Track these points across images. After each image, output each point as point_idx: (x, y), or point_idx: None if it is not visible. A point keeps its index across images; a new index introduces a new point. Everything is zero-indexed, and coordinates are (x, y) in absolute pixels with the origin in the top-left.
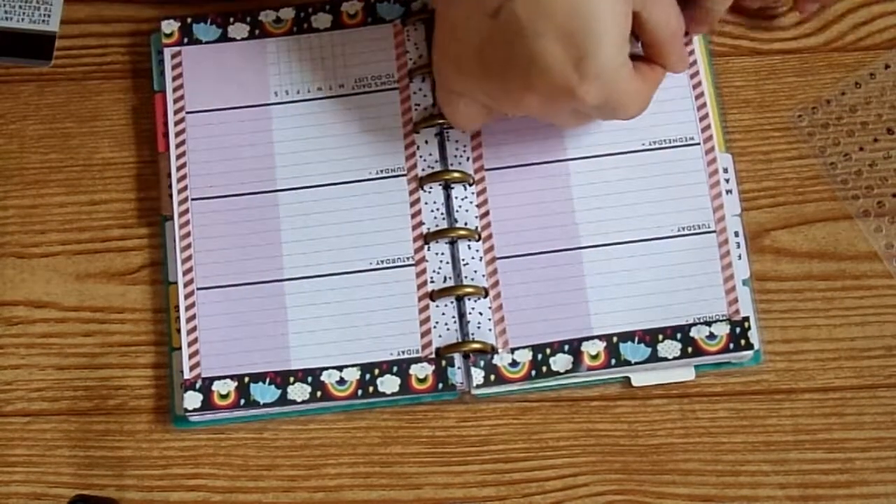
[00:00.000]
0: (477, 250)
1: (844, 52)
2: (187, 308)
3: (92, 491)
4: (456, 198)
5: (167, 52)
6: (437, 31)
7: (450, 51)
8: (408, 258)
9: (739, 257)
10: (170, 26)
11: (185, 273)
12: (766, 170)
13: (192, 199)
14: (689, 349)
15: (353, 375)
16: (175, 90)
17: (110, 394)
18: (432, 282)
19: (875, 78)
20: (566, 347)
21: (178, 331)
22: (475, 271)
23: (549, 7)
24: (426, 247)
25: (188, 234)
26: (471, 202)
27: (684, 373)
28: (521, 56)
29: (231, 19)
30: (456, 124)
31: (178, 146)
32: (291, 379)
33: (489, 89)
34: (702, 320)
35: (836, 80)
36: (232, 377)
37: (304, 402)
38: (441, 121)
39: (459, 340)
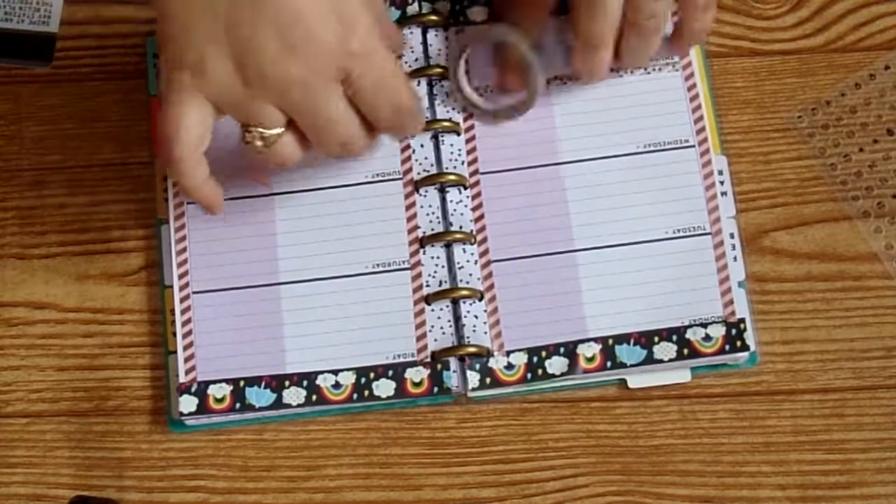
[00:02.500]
0: (472, 253)
1: (844, 53)
2: (183, 312)
3: (92, 492)
4: (451, 201)
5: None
6: (167, 37)
7: (191, 48)
8: (403, 262)
9: (735, 259)
10: None
11: (180, 277)
12: (765, 171)
13: (188, 203)
14: (685, 351)
15: (348, 379)
16: None
17: (110, 395)
18: (427, 285)
19: (875, 79)
20: (562, 350)
21: (174, 334)
22: (470, 274)
23: None
24: (422, 250)
25: (183, 238)
26: (466, 205)
27: (680, 374)
28: (276, 15)
29: None
30: (181, 157)
31: None
32: (287, 383)
33: (240, 73)
34: (697, 322)
35: (836, 81)
36: (227, 381)
37: (299, 405)
38: (437, 126)
39: (455, 344)
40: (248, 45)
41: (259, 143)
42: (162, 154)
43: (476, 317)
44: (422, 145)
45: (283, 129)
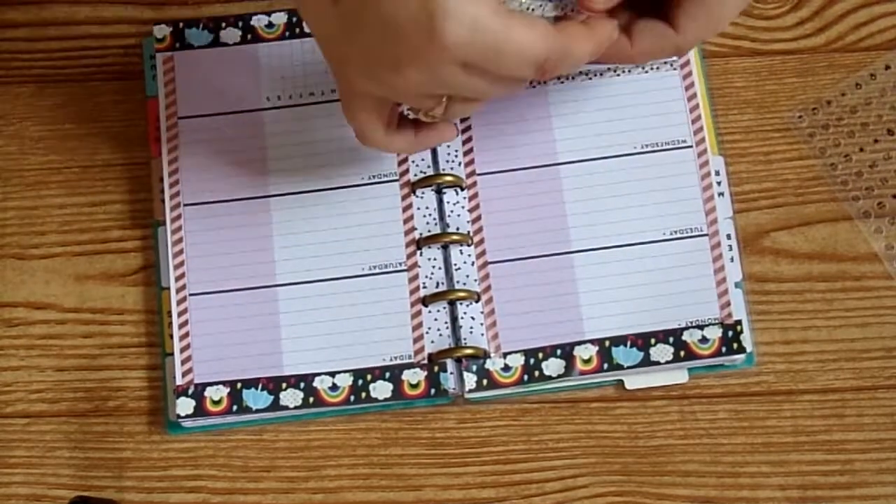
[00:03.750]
0: (469, 255)
1: (845, 53)
2: (179, 314)
3: (92, 492)
4: (448, 202)
5: (159, 57)
6: (318, 46)
7: (331, 59)
8: (400, 263)
9: (732, 260)
10: (162, 31)
11: (177, 279)
12: (766, 171)
13: (185, 205)
14: (682, 353)
15: (345, 381)
16: (167, 95)
17: (110, 395)
18: (424, 287)
19: (875, 79)
20: (558, 352)
21: (171, 336)
22: (467, 276)
23: None
24: (419, 252)
25: (180, 240)
26: (463, 206)
27: (678, 375)
28: (374, 30)
29: (223, 24)
30: (379, 143)
31: (170, 152)
32: (284, 385)
33: (375, 82)
34: (694, 324)
35: (837, 80)
36: (224, 383)
37: (296, 407)
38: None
39: (452, 346)
40: (367, 63)
41: (431, 119)
42: (363, 143)
43: (473, 318)
44: None
45: (444, 104)
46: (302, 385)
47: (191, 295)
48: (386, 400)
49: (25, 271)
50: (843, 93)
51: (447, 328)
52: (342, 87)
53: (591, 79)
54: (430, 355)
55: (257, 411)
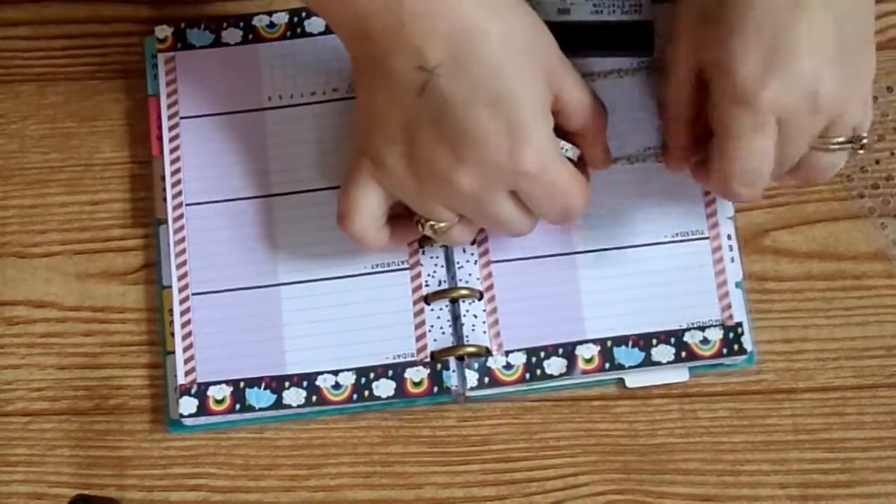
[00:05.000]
0: (472, 253)
1: None
2: (182, 313)
3: (92, 491)
4: None
5: (160, 57)
6: (358, 123)
7: (372, 140)
8: (402, 262)
9: (732, 260)
10: (163, 31)
11: (179, 278)
12: None
13: (187, 205)
14: (683, 354)
15: (348, 380)
16: (169, 95)
17: (111, 393)
18: (427, 285)
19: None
20: (560, 351)
21: (172, 334)
22: (470, 274)
23: (475, 76)
24: (421, 250)
25: (182, 240)
26: None
27: (678, 374)
28: (452, 129)
29: (224, 24)
30: (355, 228)
31: (171, 151)
32: (287, 384)
33: (414, 174)
34: (695, 325)
35: None
36: (227, 382)
37: (299, 406)
38: None
39: (454, 344)
40: (422, 152)
41: (430, 231)
42: (340, 225)
43: (475, 316)
44: None
45: (454, 223)
46: (305, 384)
47: (193, 294)
48: (389, 398)
49: (26, 270)
50: None
51: (450, 326)
52: (361, 168)
53: (594, 81)
54: (432, 353)
55: (260, 410)
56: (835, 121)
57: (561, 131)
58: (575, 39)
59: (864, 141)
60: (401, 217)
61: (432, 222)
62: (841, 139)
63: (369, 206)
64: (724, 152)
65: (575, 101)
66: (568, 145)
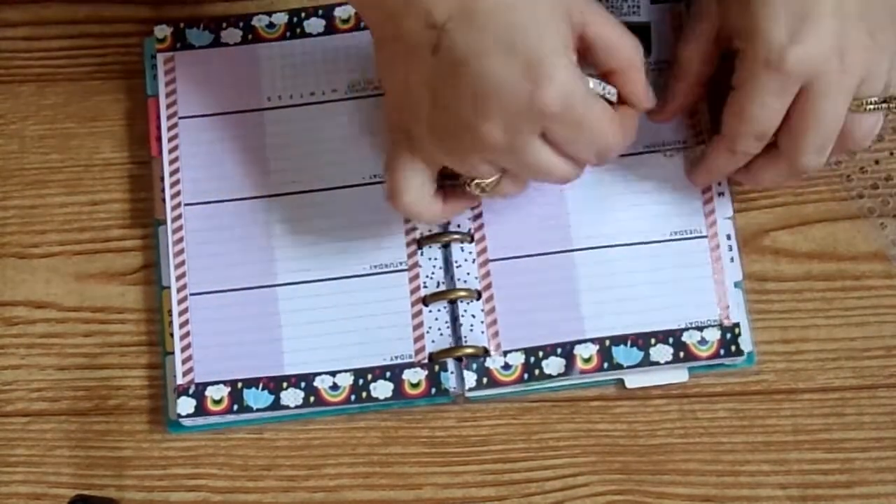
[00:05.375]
0: (470, 252)
1: None
2: (180, 313)
3: (92, 491)
4: None
5: (160, 57)
6: (387, 100)
7: (401, 112)
8: (401, 263)
9: (731, 260)
10: (162, 31)
11: (178, 278)
12: None
13: (186, 205)
14: (681, 354)
15: (346, 381)
16: (168, 95)
17: (110, 394)
18: (425, 286)
19: None
20: (559, 351)
21: (172, 335)
22: (468, 273)
23: (485, 25)
24: (419, 251)
25: (181, 240)
26: None
27: (677, 374)
28: (469, 83)
29: (224, 24)
30: (408, 207)
31: (171, 151)
32: (284, 384)
33: (445, 135)
34: (694, 325)
35: None
36: (225, 383)
37: (297, 407)
38: None
39: (452, 345)
40: (445, 112)
41: (478, 191)
42: (390, 202)
43: (473, 316)
44: None
45: (498, 176)
46: (303, 385)
47: (191, 294)
48: (386, 399)
49: (26, 270)
50: None
51: (448, 327)
52: (398, 142)
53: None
54: (430, 355)
55: (258, 411)
56: (866, 80)
57: (597, 72)
58: None
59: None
60: (452, 185)
61: (478, 180)
62: (875, 99)
63: (414, 179)
64: (743, 113)
65: (603, 37)
66: (603, 83)
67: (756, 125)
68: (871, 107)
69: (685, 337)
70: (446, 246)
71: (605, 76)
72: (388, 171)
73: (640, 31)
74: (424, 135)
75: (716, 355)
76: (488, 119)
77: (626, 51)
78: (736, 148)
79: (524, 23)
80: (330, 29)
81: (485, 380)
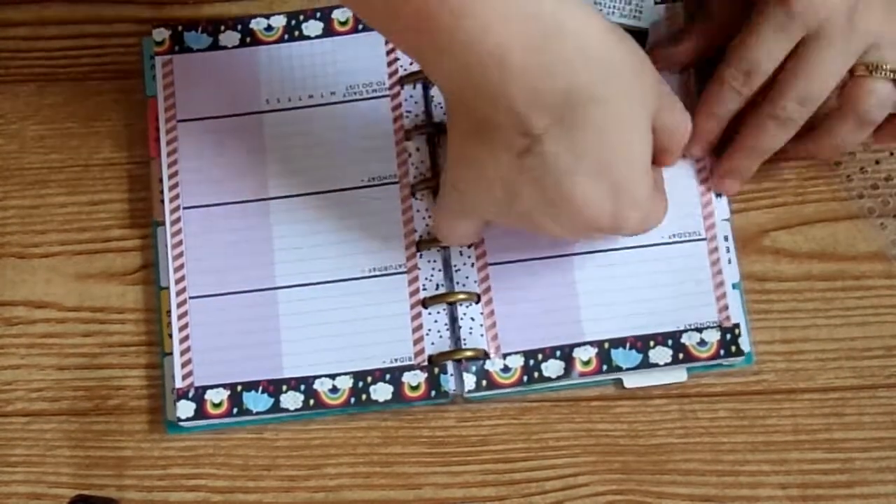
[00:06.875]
0: (469, 256)
1: None
2: (179, 316)
3: (92, 491)
4: None
5: (158, 60)
6: (454, 157)
7: (468, 185)
8: (400, 266)
9: (729, 261)
10: (161, 34)
11: (177, 281)
12: (765, 170)
13: (184, 208)
14: (681, 355)
15: (345, 383)
16: (166, 98)
17: (110, 394)
18: (424, 289)
19: None
20: (558, 353)
21: (170, 336)
22: (467, 277)
23: (580, 144)
24: (419, 254)
25: (180, 243)
26: None
27: (676, 374)
28: (553, 192)
29: (222, 27)
30: (451, 242)
31: (169, 154)
32: (284, 387)
33: (509, 218)
34: (693, 327)
35: None
36: (224, 386)
37: (296, 410)
38: (431, 129)
39: (452, 348)
40: (521, 206)
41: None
42: (441, 239)
43: (473, 319)
44: (417, 149)
45: None
46: (302, 387)
47: (190, 298)
48: (386, 402)
49: (26, 270)
50: None
51: (447, 330)
52: (454, 201)
53: None
54: (430, 357)
55: (257, 414)
56: (878, 45)
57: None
58: None
59: None
60: None
61: None
62: (890, 67)
63: (465, 230)
64: (741, 45)
65: (668, 125)
66: None
67: (750, 57)
68: (881, 74)
69: (684, 339)
70: (445, 248)
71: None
72: (441, 219)
73: (636, 36)
74: (493, 213)
75: (715, 356)
76: (562, 227)
77: (683, 136)
78: (725, 77)
79: (619, 143)
80: (328, 31)
81: (484, 382)
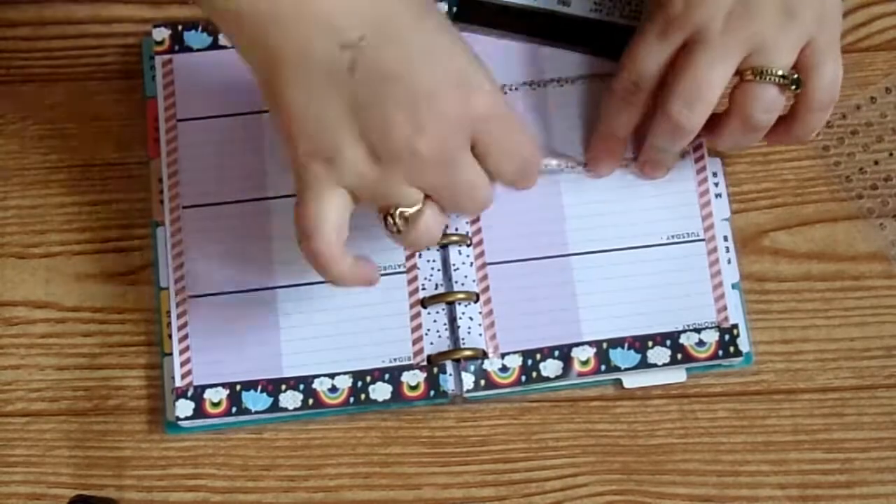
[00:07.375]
0: (468, 255)
1: (844, 54)
2: (179, 316)
3: (91, 491)
4: None
5: (158, 59)
6: (291, 132)
7: (319, 141)
8: (399, 265)
9: (728, 262)
10: (161, 34)
11: (176, 281)
12: (764, 171)
13: (184, 207)
14: (679, 356)
15: (344, 383)
16: (166, 98)
17: (110, 394)
18: (423, 289)
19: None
20: (556, 353)
21: (170, 336)
22: (466, 276)
23: (407, 39)
24: (418, 254)
25: (179, 243)
26: None
27: (675, 374)
28: (398, 96)
29: None
30: (321, 244)
31: (169, 154)
32: (283, 387)
33: (374, 157)
34: (691, 327)
35: None
36: (224, 385)
37: (295, 409)
38: None
39: (450, 347)
40: (379, 127)
41: (400, 222)
42: (301, 247)
43: (471, 318)
44: None
45: (422, 205)
46: (301, 387)
47: (190, 297)
48: (385, 401)
49: (26, 270)
50: (847, 92)
51: (446, 329)
52: (315, 175)
53: (545, 87)
54: (429, 357)
55: (256, 413)
56: (760, 51)
57: None
58: (568, 32)
59: (796, 77)
60: (361, 257)
61: (401, 209)
62: (780, 72)
63: (332, 216)
64: (628, 53)
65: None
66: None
67: (635, 66)
68: (768, 79)
69: (683, 339)
70: (444, 248)
71: None
72: (302, 209)
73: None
74: (356, 156)
75: (714, 356)
76: (424, 132)
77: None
78: (615, 84)
79: (442, 36)
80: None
81: (483, 382)
